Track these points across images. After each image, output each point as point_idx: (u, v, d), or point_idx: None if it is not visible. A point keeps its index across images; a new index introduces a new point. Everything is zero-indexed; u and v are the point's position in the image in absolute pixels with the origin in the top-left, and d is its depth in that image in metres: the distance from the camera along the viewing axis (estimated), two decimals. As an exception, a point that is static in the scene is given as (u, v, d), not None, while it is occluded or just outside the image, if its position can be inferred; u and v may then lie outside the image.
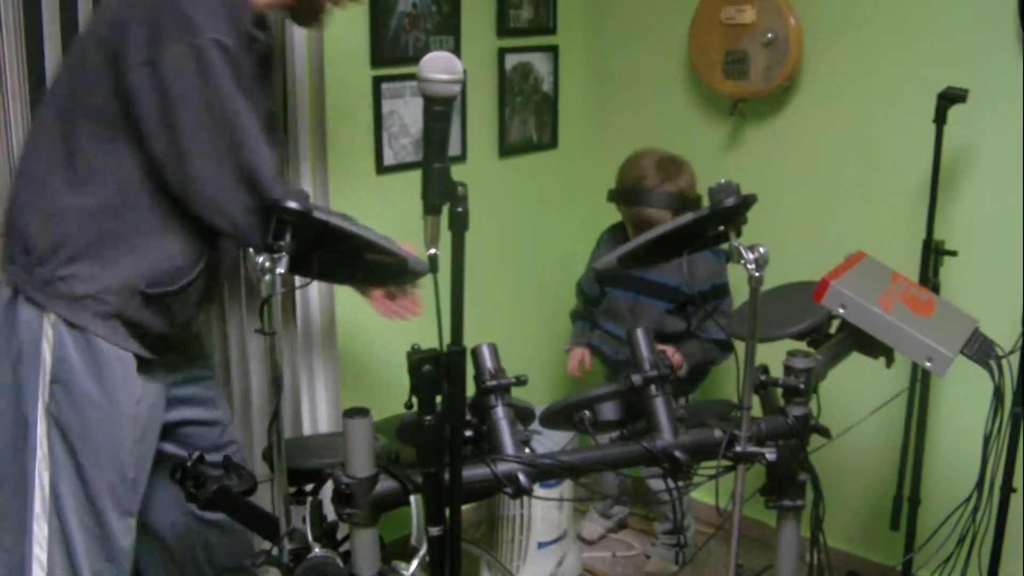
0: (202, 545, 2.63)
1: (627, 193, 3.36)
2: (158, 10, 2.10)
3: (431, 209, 1.71)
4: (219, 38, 2.09)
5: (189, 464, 2.35)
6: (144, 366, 2.31)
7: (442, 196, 1.70)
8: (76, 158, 2.20)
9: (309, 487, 2.27)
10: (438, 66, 1.66)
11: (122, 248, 2.22)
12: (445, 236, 1.73)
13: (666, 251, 2.21)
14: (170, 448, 2.49)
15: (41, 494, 2.24)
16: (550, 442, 3.24)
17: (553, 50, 3.90)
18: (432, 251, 1.73)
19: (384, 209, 3.15)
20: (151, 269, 2.25)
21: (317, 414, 3.22)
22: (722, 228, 2.08)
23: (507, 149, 3.81)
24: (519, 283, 3.96)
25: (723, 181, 2.06)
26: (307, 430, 3.21)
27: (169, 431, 2.48)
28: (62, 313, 2.20)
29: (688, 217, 2.09)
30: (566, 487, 3.41)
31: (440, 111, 1.69)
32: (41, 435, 2.23)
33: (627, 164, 3.41)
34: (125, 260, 2.23)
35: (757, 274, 2.01)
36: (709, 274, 3.38)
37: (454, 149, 3.56)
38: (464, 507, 2.05)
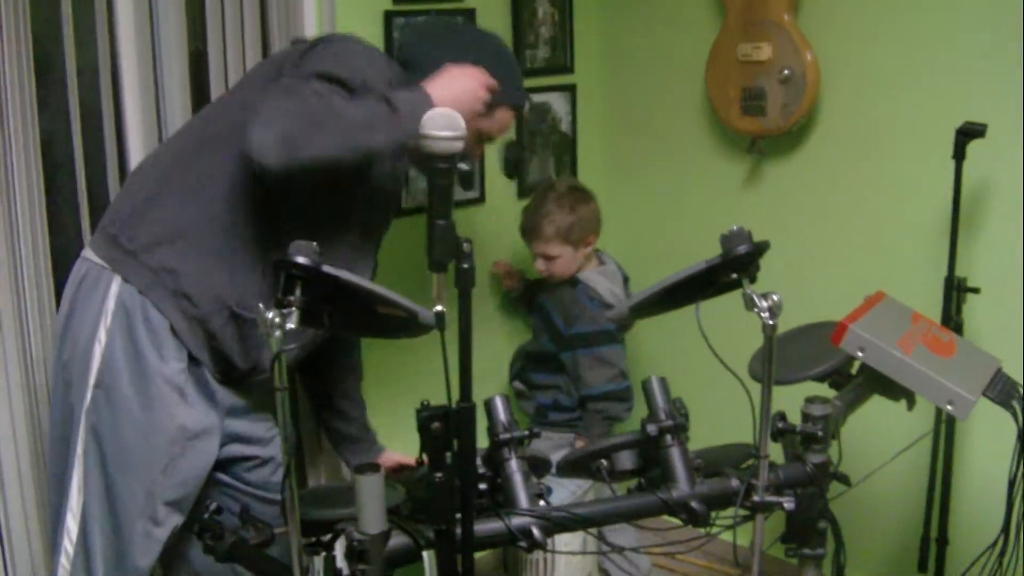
0: None
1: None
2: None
3: (436, 267, 1.70)
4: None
5: (206, 516, 2.34)
6: (199, 393, 2.39)
7: (447, 254, 1.69)
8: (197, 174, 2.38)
9: (327, 536, 2.26)
10: (440, 123, 1.66)
11: (222, 262, 2.35)
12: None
13: (678, 299, 2.19)
14: (224, 478, 2.54)
15: (76, 491, 2.32)
16: (565, 491, 3.22)
17: (571, 89, 3.90)
18: (438, 308, 1.72)
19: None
20: (241, 291, 2.36)
21: (341, 464, 3.20)
22: (735, 276, 2.06)
23: (526, 190, 3.78)
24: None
25: (735, 228, 2.04)
26: (325, 480, 3.24)
27: (223, 464, 2.52)
28: (155, 300, 2.30)
29: (700, 265, 2.06)
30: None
31: (444, 168, 1.68)
32: (79, 436, 2.31)
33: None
34: (222, 274, 2.35)
35: (771, 322, 1.98)
36: (588, 317, 3.44)
37: (472, 191, 3.55)
38: (483, 552, 2.04)
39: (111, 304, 2.30)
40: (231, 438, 2.51)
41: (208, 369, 2.41)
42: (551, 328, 3.54)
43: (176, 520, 2.39)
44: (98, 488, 2.31)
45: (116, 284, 2.31)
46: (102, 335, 2.29)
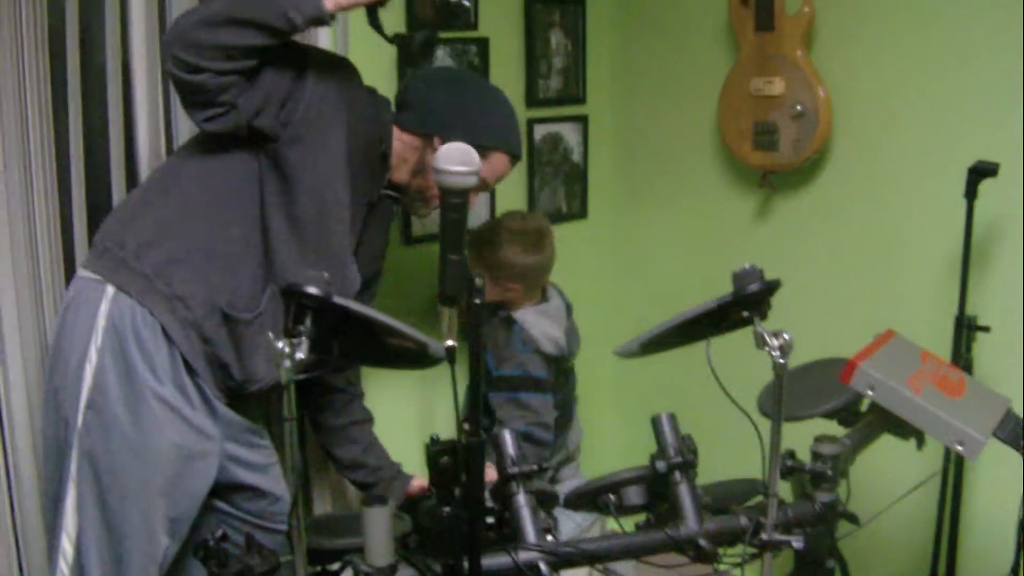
0: None
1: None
2: None
3: (448, 301, 1.70)
4: None
5: (212, 543, 2.33)
6: (199, 408, 2.38)
7: (459, 288, 1.69)
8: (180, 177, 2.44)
9: (334, 566, 2.25)
10: (455, 158, 1.66)
11: (210, 261, 2.35)
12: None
13: (689, 336, 2.19)
14: (223, 506, 2.54)
15: (71, 512, 2.30)
16: (571, 522, 3.20)
17: (582, 120, 3.91)
18: (449, 342, 1.72)
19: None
20: (231, 291, 2.37)
21: (348, 491, 3.22)
22: (746, 313, 2.05)
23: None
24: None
25: (747, 266, 2.03)
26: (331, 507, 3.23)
27: (222, 491, 2.51)
28: (150, 306, 2.29)
29: (712, 303, 2.06)
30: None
31: (457, 203, 1.68)
32: (72, 459, 2.29)
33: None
34: (211, 273, 2.35)
35: (781, 361, 1.97)
36: (517, 362, 3.34)
37: (483, 220, 3.55)
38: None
39: (101, 323, 2.29)
40: (231, 460, 2.49)
41: (207, 384, 2.40)
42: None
43: (172, 541, 2.37)
44: (94, 511, 2.30)
45: (106, 301, 2.30)
46: (92, 355, 2.29)
